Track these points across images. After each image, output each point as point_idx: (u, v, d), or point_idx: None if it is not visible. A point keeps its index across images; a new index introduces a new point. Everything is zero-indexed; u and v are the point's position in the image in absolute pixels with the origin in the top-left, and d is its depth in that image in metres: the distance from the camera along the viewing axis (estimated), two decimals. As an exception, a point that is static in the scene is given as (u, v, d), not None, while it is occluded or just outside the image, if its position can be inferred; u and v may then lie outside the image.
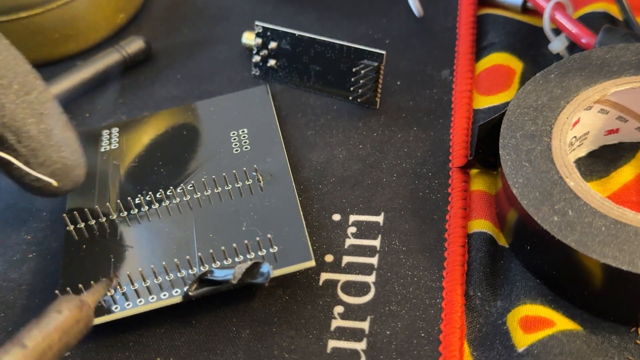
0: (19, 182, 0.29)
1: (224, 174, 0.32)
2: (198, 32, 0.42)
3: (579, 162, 0.31)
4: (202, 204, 0.31)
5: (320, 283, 0.29)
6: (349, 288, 0.29)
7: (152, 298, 0.28)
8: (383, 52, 0.34)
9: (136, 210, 0.31)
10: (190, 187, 0.32)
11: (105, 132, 0.36)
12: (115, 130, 0.36)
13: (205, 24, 0.43)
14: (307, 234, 0.29)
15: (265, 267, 0.27)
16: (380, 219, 0.31)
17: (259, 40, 0.37)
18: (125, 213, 0.31)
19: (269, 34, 0.37)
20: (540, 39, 0.37)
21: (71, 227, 0.31)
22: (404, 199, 0.32)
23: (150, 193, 0.32)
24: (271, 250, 0.28)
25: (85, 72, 0.38)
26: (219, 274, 0.27)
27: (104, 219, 0.31)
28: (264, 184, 0.31)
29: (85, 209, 0.31)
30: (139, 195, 0.32)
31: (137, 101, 0.38)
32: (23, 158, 0.28)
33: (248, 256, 0.28)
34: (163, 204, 0.31)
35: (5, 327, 0.29)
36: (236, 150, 0.33)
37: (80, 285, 0.28)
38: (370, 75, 0.35)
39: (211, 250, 0.28)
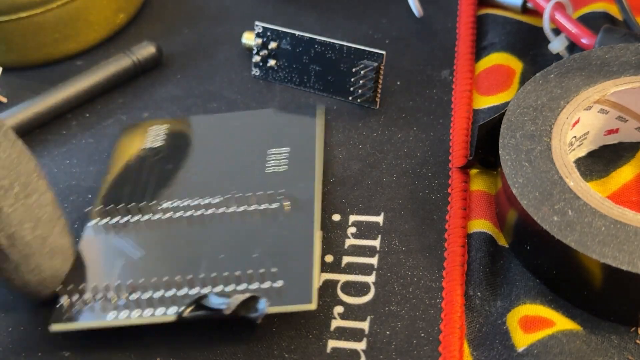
0: (4, 284, 0.28)
1: (248, 193, 0.31)
2: (198, 32, 0.42)
3: (579, 162, 0.31)
4: (224, 221, 0.30)
5: (320, 283, 0.29)
6: (349, 288, 0.29)
7: (148, 312, 0.27)
8: (383, 52, 0.34)
9: (159, 215, 0.31)
10: (217, 201, 0.31)
11: (154, 128, 0.36)
12: (164, 127, 0.36)
13: (205, 24, 0.43)
14: (314, 274, 0.27)
15: (262, 304, 0.26)
16: (380, 219, 0.31)
17: (259, 41, 0.37)
18: (149, 216, 0.31)
19: (269, 34, 0.37)
20: (540, 39, 0.37)
21: (95, 221, 0.31)
22: (404, 199, 0.32)
23: (178, 200, 0.31)
24: (274, 285, 0.27)
25: (95, 78, 0.38)
26: (215, 301, 0.27)
27: (127, 218, 0.31)
28: (288, 211, 0.30)
29: (109, 207, 0.31)
30: (165, 201, 0.31)
31: (137, 101, 0.38)
32: (13, 263, 0.27)
33: (250, 286, 0.27)
34: (186, 214, 0.31)
35: (6, 327, 0.29)
36: (271, 170, 0.32)
37: (81, 286, 0.28)
38: (370, 75, 0.35)
39: (214, 274, 0.28)
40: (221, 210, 0.31)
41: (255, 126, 0.35)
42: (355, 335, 0.27)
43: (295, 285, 0.27)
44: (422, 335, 0.27)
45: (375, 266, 0.29)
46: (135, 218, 0.31)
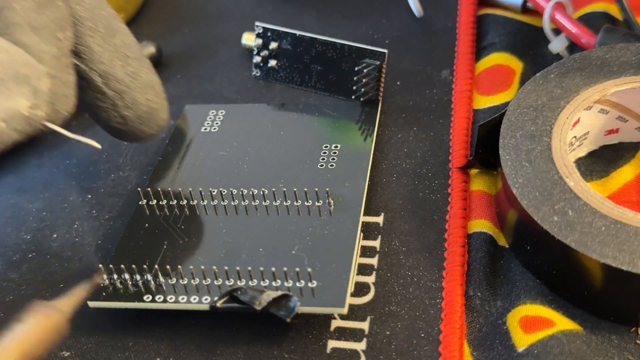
0: (105, 125, 0.29)
1: (294, 188, 0.30)
2: (198, 33, 0.42)
3: (579, 162, 0.31)
4: (269, 213, 0.30)
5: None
6: (349, 288, 0.29)
7: (183, 298, 0.27)
8: (385, 50, 0.34)
9: (206, 201, 0.31)
10: (265, 192, 0.31)
11: (211, 112, 0.36)
12: (221, 112, 0.36)
13: (205, 24, 0.43)
14: (350, 277, 0.27)
15: (293, 303, 0.26)
16: (380, 219, 0.31)
17: (260, 41, 0.37)
18: (195, 202, 0.31)
19: (269, 34, 0.36)
20: (540, 39, 0.37)
21: (144, 202, 0.31)
22: (404, 199, 0.32)
23: (225, 188, 0.31)
24: (309, 284, 0.27)
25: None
26: (248, 295, 0.27)
27: (174, 202, 0.31)
28: (333, 209, 0.30)
29: (160, 189, 0.31)
30: (214, 187, 0.31)
31: (137, 101, 0.38)
32: (110, 101, 0.29)
33: (285, 283, 0.27)
34: (232, 203, 0.31)
35: (5, 327, 0.29)
36: (321, 166, 0.32)
37: (122, 266, 0.28)
38: (372, 74, 0.35)
39: (250, 267, 0.28)
40: (267, 202, 0.30)
41: (311, 119, 0.35)
42: (355, 335, 0.27)
43: (330, 287, 0.27)
44: (422, 335, 0.27)
45: (375, 266, 0.29)
46: (184, 202, 0.31)
